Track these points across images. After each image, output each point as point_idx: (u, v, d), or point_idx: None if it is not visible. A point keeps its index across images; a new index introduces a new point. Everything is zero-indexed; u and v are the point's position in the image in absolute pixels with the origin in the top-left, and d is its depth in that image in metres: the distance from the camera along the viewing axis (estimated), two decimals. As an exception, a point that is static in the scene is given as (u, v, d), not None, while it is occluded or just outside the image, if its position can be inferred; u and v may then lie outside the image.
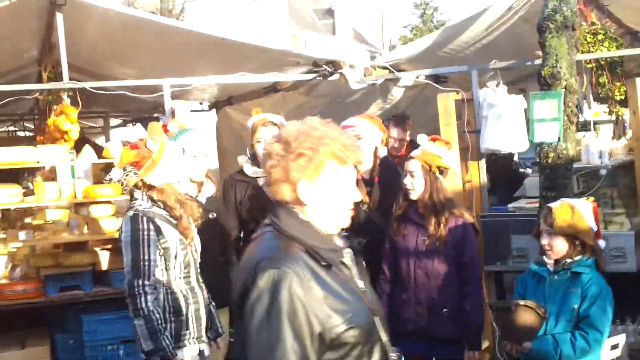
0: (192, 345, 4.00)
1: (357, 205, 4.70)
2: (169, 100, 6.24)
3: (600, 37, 6.01)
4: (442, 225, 4.32)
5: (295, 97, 7.48)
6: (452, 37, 6.76)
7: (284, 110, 7.86)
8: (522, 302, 3.56)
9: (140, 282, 3.79)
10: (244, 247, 4.82)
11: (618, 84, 6.14)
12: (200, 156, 4.46)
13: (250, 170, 4.81)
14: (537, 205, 6.78)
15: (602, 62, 6.10)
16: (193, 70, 6.54)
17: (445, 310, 4.30)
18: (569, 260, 3.70)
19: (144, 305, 3.76)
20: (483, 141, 6.10)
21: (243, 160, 4.88)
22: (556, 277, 3.73)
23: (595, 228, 3.73)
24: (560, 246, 3.70)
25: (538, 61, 6.30)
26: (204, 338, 4.08)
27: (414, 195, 4.37)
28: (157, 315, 3.78)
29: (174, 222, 3.97)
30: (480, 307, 4.40)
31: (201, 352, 4.10)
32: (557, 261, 3.73)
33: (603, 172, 5.96)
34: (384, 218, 4.64)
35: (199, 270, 4.12)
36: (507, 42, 6.86)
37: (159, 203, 3.94)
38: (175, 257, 3.93)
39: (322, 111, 7.55)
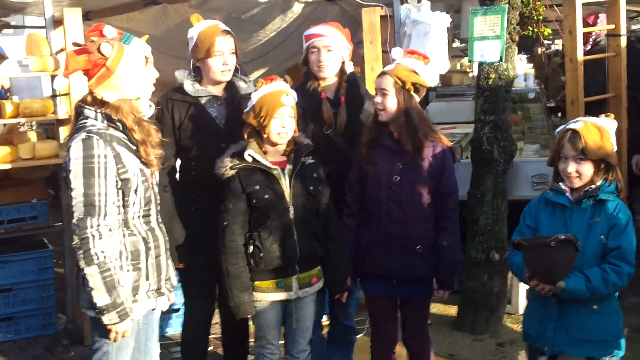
0: (149, 299, 3.28)
1: (320, 129, 4.19)
2: (50, 8, 5.21)
3: (526, -48, 5.72)
4: (419, 151, 3.83)
5: (181, 11, 6.58)
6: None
7: (164, 25, 6.98)
8: (562, 237, 3.15)
9: (95, 222, 3.01)
10: (183, 180, 4.14)
11: (539, 3, 5.91)
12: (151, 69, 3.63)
13: (190, 87, 4.02)
14: (454, 130, 6.56)
15: (527, -21, 5.83)
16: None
17: (419, 247, 3.85)
18: (593, 187, 3.34)
19: (99, 250, 3.00)
20: (405, 61, 5.66)
21: (182, 76, 4.04)
22: (577, 206, 3.38)
23: (616, 148, 3.41)
24: (588, 172, 3.32)
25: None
26: (164, 289, 3.35)
27: (384, 117, 3.83)
28: (114, 263, 3.05)
29: (134, 148, 3.20)
30: (459, 243, 3.98)
31: (157, 307, 3.40)
32: (576, 188, 3.39)
33: (531, 95, 5.79)
34: (351, 144, 4.09)
35: (159, 208, 3.38)
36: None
37: (117, 124, 3.15)
38: (136, 191, 3.17)
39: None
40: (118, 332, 3.09)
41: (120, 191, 3.11)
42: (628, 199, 6.13)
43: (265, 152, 3.68)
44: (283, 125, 3.64)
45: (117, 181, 3.09)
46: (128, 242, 3.17)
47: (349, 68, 4.18)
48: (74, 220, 3.04)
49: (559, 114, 8.75)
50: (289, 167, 3.70)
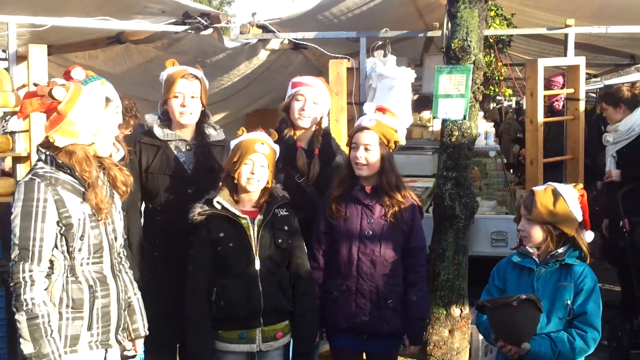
0: (93, 350, 3.15)
1: (292, 177, 4.18)
2: (14, 43, 5.13)
3: (492, 14, 5.88)
4: (393, 208, 3.85)
5: (145, 51, 6.57)
6: (332, 3, 6.30)
7: (126, 65, 6.94)
8: (524, 296, 3.19)
9: (27, 267, 2.95)
10: (147, 225, 4.04)
11: (500, 64, 6.06)
12: (118, 111, 3.54)
13: (160, 131, 3.97)
14: (414, 184, 6.61)
15: (491, 41, 5.97)
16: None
17: (390, 302, 3.85)
18: (560, 251, 3.39)
19: (28, 296, 2.93)
20: (369, 114, 5.72)
21: (152, 120, 4.01)
22: (543, 269, 3.41)
23: (580, 218, 3.44)
24: (537, 235, 3.39)
25: (431, 33, 6.08)
26: (112, 341, 3.22)
27: (365, 172, 3.84)
28: (44, 311, 2.96)
29: (83, 191, 3.09)
30: (427, 298, 4.01)
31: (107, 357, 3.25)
32: (543, 252, 3.42)
33: (492, 153, 5.86)
34: (321, 195, 4.09)
35: (119, 255, 3.29)
36: (380, 12, 6.55)
37: (65, 168, 3.06)
38: (82, 237, 3.07)
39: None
40: None
41: (63, 237, 3.03)
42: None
43: (237, 202, 3.65)
44: (252, 172, 3.62)
45: (60, 226, 3.01)
46: (71, 290, 3.07)
47: (325, 122, 4.23)
48: (11, 263, 2.99)
49: (510, 170, 8.94)
50: (259, 217, 3.67)
